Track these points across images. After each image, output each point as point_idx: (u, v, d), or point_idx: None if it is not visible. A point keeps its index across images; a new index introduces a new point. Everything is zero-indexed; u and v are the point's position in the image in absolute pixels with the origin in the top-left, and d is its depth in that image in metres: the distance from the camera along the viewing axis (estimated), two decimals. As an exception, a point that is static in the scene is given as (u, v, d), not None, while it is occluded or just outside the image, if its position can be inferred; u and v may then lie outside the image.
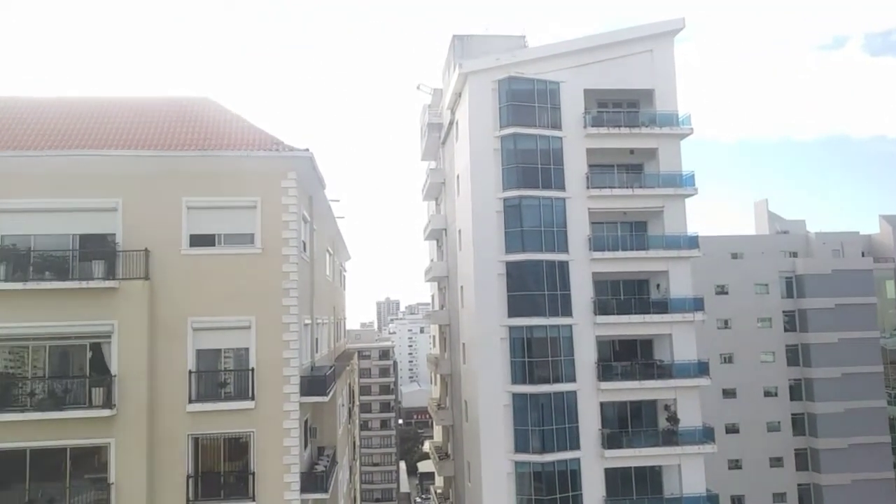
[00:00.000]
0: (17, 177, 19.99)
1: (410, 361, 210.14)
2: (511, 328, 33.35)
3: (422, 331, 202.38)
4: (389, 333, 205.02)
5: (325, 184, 25.37)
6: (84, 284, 19.43)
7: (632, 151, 36.71)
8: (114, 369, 19.39)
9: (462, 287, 38.85)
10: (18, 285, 19.18)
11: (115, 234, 20.28)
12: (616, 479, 33.80)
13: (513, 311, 33.38)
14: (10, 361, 19.70)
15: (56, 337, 19.70)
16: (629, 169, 37.28)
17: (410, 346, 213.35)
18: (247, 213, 20.98)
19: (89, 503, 18.98)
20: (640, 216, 36.95)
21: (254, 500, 19.65)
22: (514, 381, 33.06)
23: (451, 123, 41.83)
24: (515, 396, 32.91)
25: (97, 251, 19.99)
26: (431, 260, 52.52)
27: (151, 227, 20.34)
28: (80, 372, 19.78)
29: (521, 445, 32.59)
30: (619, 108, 37.76)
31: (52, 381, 19.44)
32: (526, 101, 34.62)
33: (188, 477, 19.56)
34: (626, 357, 35.87)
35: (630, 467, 34.05)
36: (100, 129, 22.05)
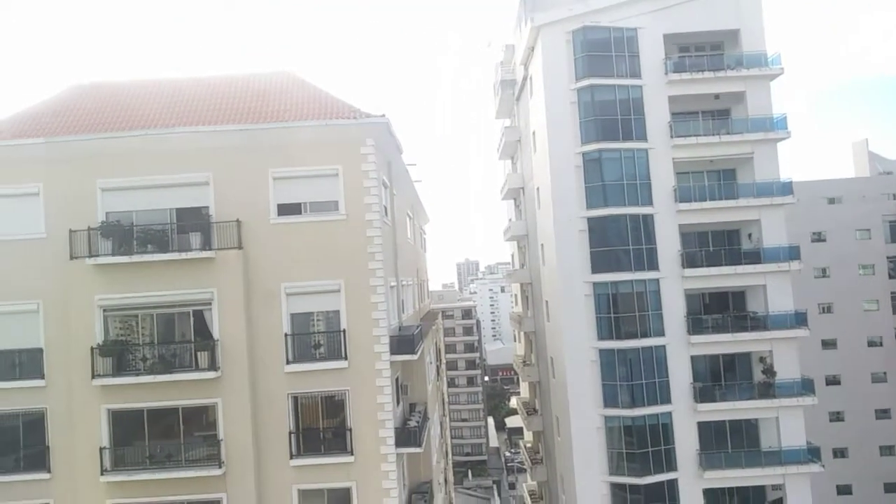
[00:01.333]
0: (119, 157, 21.20)
1: (493, 320, 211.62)
2: (595, 284, 32.95)
3: (502, 290, 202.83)
4: (471, 294, 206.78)
5: (402, 148, 25.60)
6: (183, 256, 20.56)
7: (717, 97, 34.99)
8: (216, 334, 20.57)
9: (543, 245, 38.59)
10: (125, 259, 20.51)
11: (208, 207, 21.27)
12: (710, 433, 33.24)
13: (596, 267, 32.94)
14: (122, 330, 21.19)
15: (161, 305, 21.01)
16: (715, 115, 35.63)
17: (492, 305, 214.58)
18: (330, 180, 21.49)
19: (202, 458, 20.41)
20: (728, 164, 35.36)
21: (352, 455, 20.58)
22: (601, 336, 32.80)
23: (524, 79, 41.06)
24: (602, 352, 32.69)
25: (193, 223, 21.07)
26: (510, 219, 52.29)
27: (241, 198, 21.20)
28: (186, 337, 21.09)
29: (609, 400, 32.49)
30: (702, 51, 35.93)
31: (161, 346, 20.86)
32: (602, 50, 33.47)
33: (290, 433, 20.68)
34: (716, 310, 34.84)
35: (724, 420, 33.37)
36: (190, 107, 23.02)
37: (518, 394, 66.67)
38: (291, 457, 20.59)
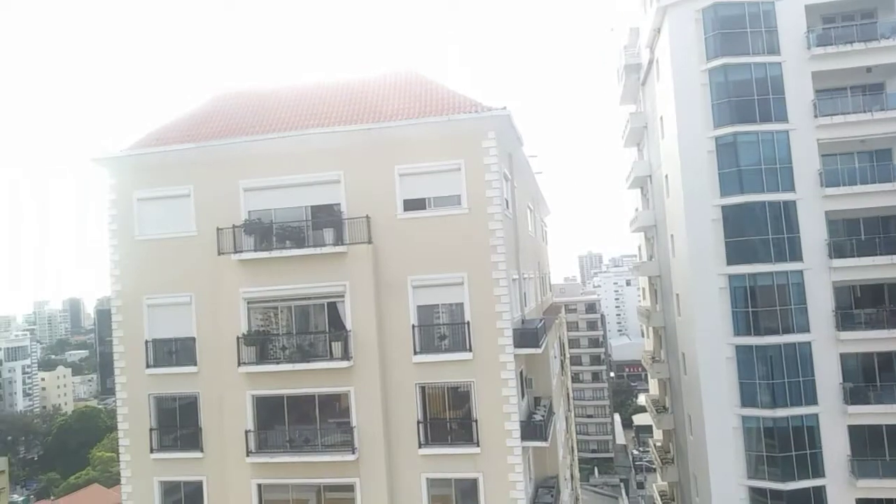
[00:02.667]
0: (259, 159, 22.66)
1: (618, 315, 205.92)
2: (731, 276, 31.17)
3: (628, 283, 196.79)
4: (594, 287, 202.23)
5: (523, 140, 25.44)
6: (318, 251, 21.64)
7: (869, 70, 31.95)
8: (348, 325, 21.50)
9: (672, 236, 36.99)
10: (265, 254, 21.90)
11: (340, 204, 22.24)
12: (863, 438, 30.48)
13: (732, 258, 31.15)
14: (263, 321, 22.65)
15: (298, 298, 22.23)
16: (866, 90, 32.51)
17: (617, 299, 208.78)
18: (452, 175, 21.76)
19: (337, 443, 21.43)
20: (882, 143, 32.16)
21: (478, 446, 20.80)
22: (737, 332, 31.00)
23: (650, 63, 39.50)
24: (739, 348, 30.88)
25: (326, 220, 22.13)
26: (636, 209, 50.55)
27: (370, 194, 21.97)
28: (320, 328, 22.20)
29: (747, 399, 30.67)
30: (851, 20, 32.87)
31: (298, 336, 22.10)
32: (735, 27, 31.55)
33: (418, 422, 21.23)
34: (870, 304, 31.83)
35: (881, 425, 30.47)
36: (321, 109, 24.16)
37: (646, 391, 64.47)
38: (420, 445, 21.14)
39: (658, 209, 41.82)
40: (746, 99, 31.20)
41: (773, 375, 30.33)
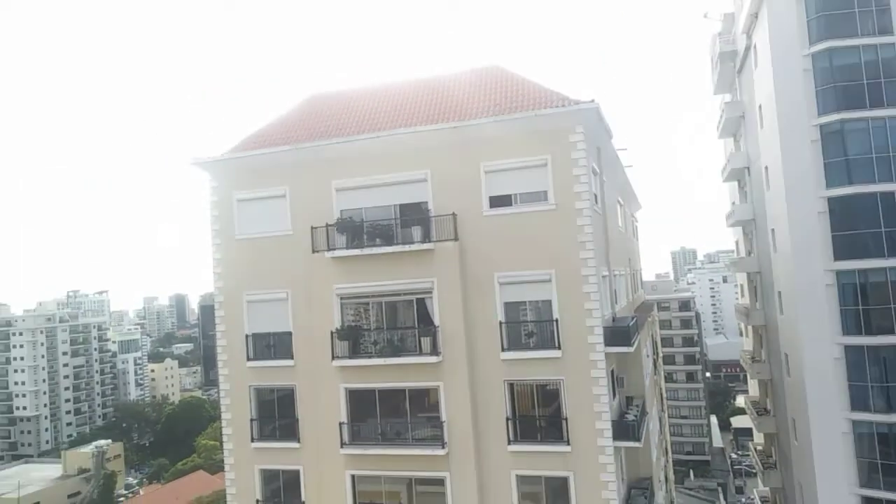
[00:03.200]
0: (350, 159, 23.31)
1: (714, 313, 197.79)
2: (839, 273, 29.33)
3: (725, 280, 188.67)
4: (688, 284, 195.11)
5: (612, 133, 24.90)
6: (406, 248, 22.02)
7: None
8: (436, 321, 21.77)
9: (773, 230, 35.17)
10: (357, 251, 22.51)
11: (427, 202, 22.54)
12: None
13: (840, 253, 29.30)
14: (355, 316, 23.29)
15: (388, 294, 22.71)
16: None
17: (713, 296, 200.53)
18: (539, 171, 21.59)
19: (427, 437, 21.76)
20: None
21: (568, 444, 20.57)
22: (847, 331, 29.14)
23: (747, 49, 37.68)
24: (849, 349, 29.03)
25: (414, 218, 22.48)
26: (733, 203, 48.39)
27: (456, 192, 22.15)
28: (410, 324, 22.60)
29: (858, 403, 28.78)
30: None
31: (388, 331, 22.59)
32: (841, 7, 29.66)
33: (507, 419, 21.23)
34: None
35: None
36: (409, 108, 24.59)
37: (745, 392, 61.61)
38: (509, 442, 21.13)
39: (757, 202, 39.87)
40: (855, 83, 29.23)
41: (888, 378, 28.30)
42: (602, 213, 24.47)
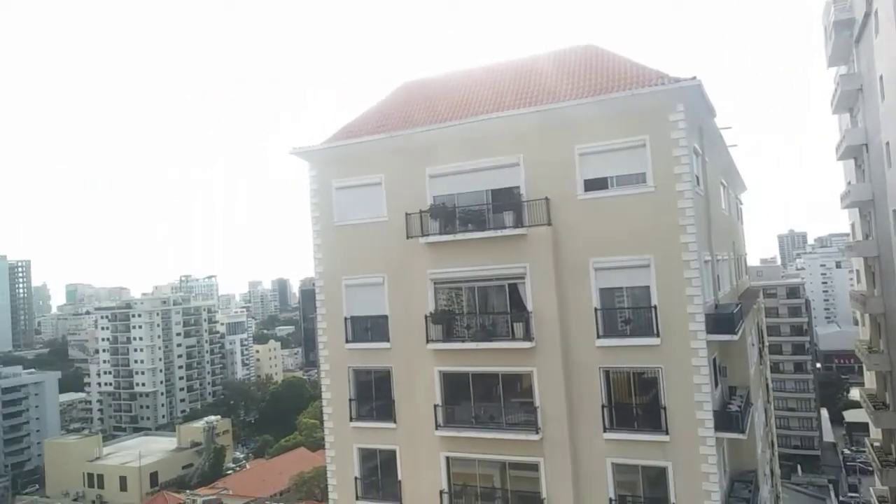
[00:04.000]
0: (442, 145, 23.49)
1: (826, 300, 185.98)
2: (971, 256, 26.78)
3: (838, 265, 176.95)
4: (797, 269, 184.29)
5: (715, 111, 23.76)
6: (498, 233, 22.00)
7: None
8: (529, 306, 21.66)
9: (894, 211, 32.54)
10: (449, 237, 22.70)
11: (519, 187, 22.38)
12: None
13: (973, 234, 26.74)
14: (448, 301, 23.52)
15: (480, 279, 22.79)
16: None
17: (824, 282, 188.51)
18: (636, 152, 20.95)
19: (521, 422, 21.77)
20: None
21: (666, 434, 20.01)
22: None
23: (866, 16, 34.82)
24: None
25: (506, 203, 22.40)
26: (849, 183, 45.10)
27: (549, 176, 21.87)
28: (502, 309, 22.60)
29: None
30: None
31: (481, 316, 22.69)
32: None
33: (602, 406, 20.89)
34: None
35: None
36: (501, 92, 24.43)
37: (861, 384, 57.72)
38: (605, 430, 20.80)
39: (877, 181, 36.98)
40: None
41: None
42: (704, 196, 23.45)
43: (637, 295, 21.02)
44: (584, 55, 24.75)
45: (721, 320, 21.12)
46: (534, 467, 21.55)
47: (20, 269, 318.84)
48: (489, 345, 21.92)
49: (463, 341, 22.41)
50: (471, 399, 22.71)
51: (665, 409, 20.13)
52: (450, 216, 23.15)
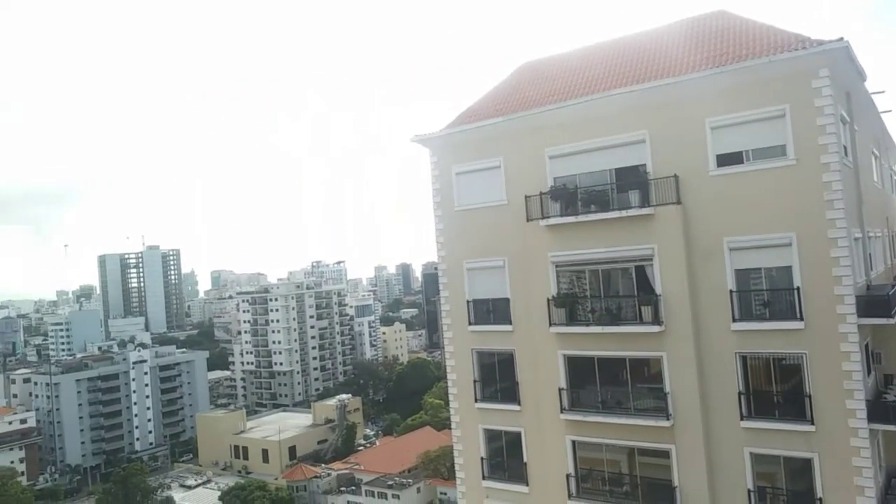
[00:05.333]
0: (561, 125, 23.07)
1: None
2: None
3: None
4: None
5: (865, 75, 21.64)
6: (623, 214, 21.32)
7: None
8: (658, 289, 20.88)
9: None
10: (571, 219, 22.29)
11: (645, 165, 21.55)
12: None
13: None
14: (569, 284, 23.15)
15: (605, 261, 22.23)
16: None
17: None
18: (775, 123, 19.53)
19: (649, 408, 21.14)
20: None
21: (811, 423, 18.69)
22: None
23: None
24: None
25: (631, 182, 21.65)
26: None
27: (677, 152, 20.89)
28: (628, 292, 21.95)
29: None
30: None
31: (606, 299, 22.18)
32: None
33: (739, 393, 19.82)
34: None
35: None
36: (622, 67, 23.55)
37: None
38: (742, 418, 19.73)
39: None
40: None
41: None
42: (853, 167, 21.47)
43: (777, 276, 19.73)
44: (715, 22, 23.29)
45: (874, 303, 19.36)
46: (664, 454, 20.88)
47: (171, 258, 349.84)
48: (615, 329, 21.40)
49: (587, 325, 22.03)
50: (596, 383, 22.32)
51: (810, 397, 18.79)
52: (571, 197, 22.71)
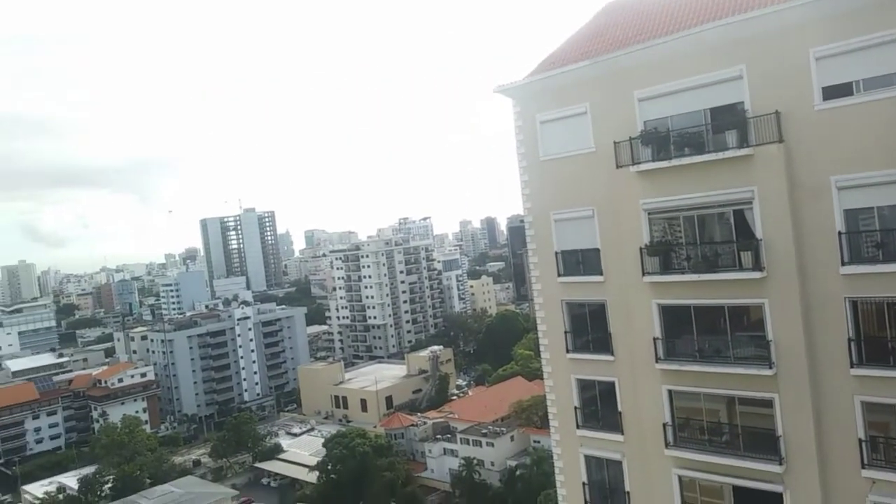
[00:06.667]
0: (652, 65, 21.96)
1: None
2: None
3: None
4: None
5: None
6: (719, 156, 20.27)
7: None
8: (758, 233, 19.90)
9: None
10: (663, 164, 21.41)
11: (742, 102, 20.32)
12: None
13: None
14: (662, 231, 22.38)
15: (700, 207, 21.30)
16: None
17: None
18: (891, 48, 17.85)
19: (750, 356, 20.42)
20: None
21: (936, 373, 17.55)
22: None
23: None
24: None
25: (728, 121, 20.50)
26: None
27: (779, 87, 19.52)
28: (726, 237, 21.05)
29: None
30: None
31: (702, 246, 21.37)
32: None
33: (849, 340, 18.78)
34: None
35: None
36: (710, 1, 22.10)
37: None
38: (852, 365, 18.73)
39: None
40: None
41: None
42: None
43: (890, 215, 18.35)
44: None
45: None
46: (767, 403, 20.22)
47: (267, 220, 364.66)
48: (712, 276, 20.62)
49: (682, 273, 21.36)
50: (693, 332, 21.74)
51: (929, 343, 17.60)
52: (663, 141, 21.79)
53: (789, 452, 19.79)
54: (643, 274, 21.92)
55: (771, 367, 19.64)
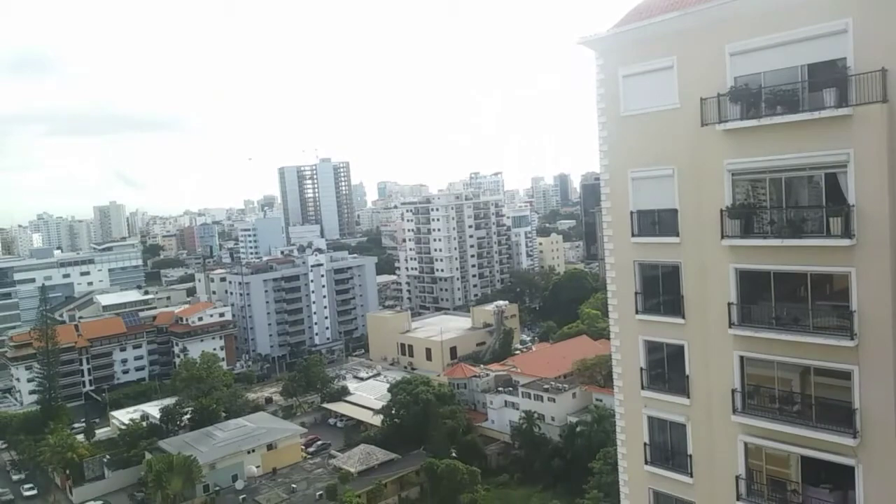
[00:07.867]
0: (745, 17, 20.77)
1: None
2: None
3: None
4: None
5: None
6: (815, 115, 19.17)
7: None
8: (851, 199, 18.88)
9: None
10: (753, 122, 20.40)
11: (844, 59, 19.05)
12: None
13: None
14: (746, 194, 21.47)
15: (789, 169, 20.31)
16: None
17: None
18: None
19: (831, 326, 19.65)
20: None
21: None
22: None
23: None
24: None
25: (827, 79, 19.29)
26: None
27: (887, 42, 18.18)
28: (815, 202, 20.07)
29: None
30: None
31: (788, 210, 20.47)
32: None
33: (942, 315, 17.81)
34: None
35: None
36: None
37: None
38: (947, 340, 17.80)
39: None
40: None
41: None
42: None
43: None
44: None
45: None
46: (845, 375, 19.50)
47: (342, 170, 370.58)
48: (797, 241, 19.77)
49: (765, 237, 20.59)
50: (771, 299, 21.04)
51: None
52: (754, 98, 20.74)
53: (865, 427, 19.12)
54: (722, 237, 21.25)
55: (853, 339, 18.87)
